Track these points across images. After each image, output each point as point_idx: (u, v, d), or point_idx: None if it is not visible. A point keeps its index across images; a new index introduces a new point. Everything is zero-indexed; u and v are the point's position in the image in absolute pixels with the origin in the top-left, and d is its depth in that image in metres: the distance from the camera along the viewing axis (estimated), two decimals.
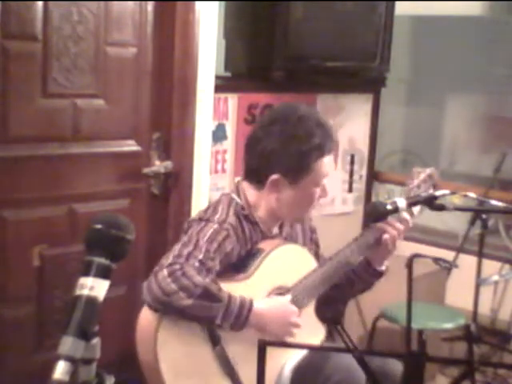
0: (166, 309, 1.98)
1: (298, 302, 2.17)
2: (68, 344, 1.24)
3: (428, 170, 2.39)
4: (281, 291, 2.19)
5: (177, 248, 2.06)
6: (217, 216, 2.15)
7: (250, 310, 2.03)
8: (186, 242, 2.06)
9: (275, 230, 2.30)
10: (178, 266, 1.97)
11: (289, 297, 2.16)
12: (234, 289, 2.06)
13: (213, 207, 2.21)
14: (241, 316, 2.02)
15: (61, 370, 1.22)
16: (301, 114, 2.17)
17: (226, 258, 2.10)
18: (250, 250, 2.18)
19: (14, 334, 2.75)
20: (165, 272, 1.96)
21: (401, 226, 2.27)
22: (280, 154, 2.14)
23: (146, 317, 2.06)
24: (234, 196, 2.23)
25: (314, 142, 2.13)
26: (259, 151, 2.18)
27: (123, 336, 3.01)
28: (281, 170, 2.14)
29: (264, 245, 2.21)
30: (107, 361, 1.35)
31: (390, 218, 2.24)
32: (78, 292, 1.29)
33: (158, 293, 1.95)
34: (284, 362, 2.18)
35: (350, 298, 2.48)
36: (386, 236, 2.25)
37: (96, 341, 1.29)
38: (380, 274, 2.35)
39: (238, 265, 2.15)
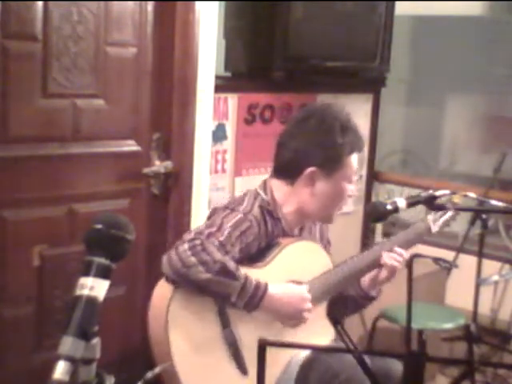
0: (184, 281, 2.02)
1: (312, 299, 2.20)
2: (68, 344, 1.24)
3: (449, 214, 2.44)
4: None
5: (200, 227, 2.12)
6: (242, 206, 2.21)
7: (264, 291, 2.07)
8: (210, 224, 2.13)
9: (296, 232, 2.33)
10: (198, 242, 2.03)
11: (305, 287, 2.19)
12: (250, 274, 2.10)
13: (239, 199, 2.28)
14: (255, 296, 2.06)
15: (61, 370, 1.22)
16: (334, 111, 2.27)
17: (246, 248, 2.15)
18: (269, 243, 2.23)
19: (14, 334, 2.75)
20: (186, 245, 2.02)
21: (406, 256, 2.30)
22: (316, 147, 2.22)
23: (160, 291, 2.11)
24: (261, 191, 2.28)
25: (348, 137, 2.23)
26: (294, 146, 2.25)
27: (123, 336, 3.02)
28: (317, 162, 2.21)
29: (283, 239, 2.26)
30: (107, 361, 1.35)
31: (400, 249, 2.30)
32: (78, 292, 1.29)
33: (177, 264, 2.00)
34: (289, 357, 2.20)
35: (343, 317, 2.49)
36: (392, 263, 2.28)
37: (96, 341, 1.29)
38: (371, 298, 2.39)
39: (256, 256, 2.20)
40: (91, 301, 1.28)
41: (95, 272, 1.30)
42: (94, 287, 1.29)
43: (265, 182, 2.32)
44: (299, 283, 2.21)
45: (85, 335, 1.26)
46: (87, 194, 2.89)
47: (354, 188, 2.31)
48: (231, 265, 2.04)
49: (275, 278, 2.16)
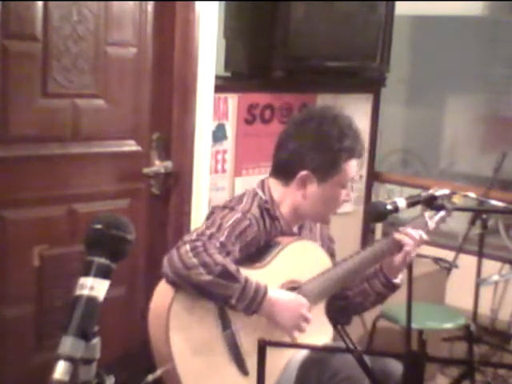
0: (185, 282, 2.02)
1: (310, 299, 2.20)
2: (68, 344, 1.24)
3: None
4: (294, 285, 2.22)
5: (200, 228, 2.12)
6: (241, 205, 2.21)
7: (264, 295, 2.07)
8: (210, 224, 2.12)
9: (294, 230, 2.34)
10: (200, 243, 2.03)
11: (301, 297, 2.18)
12: (250, 275, 2.10)
13: (237, 198, 2.28)
14: (255, 300, 2.05)
15: (61, 369, 1.22)
16: (336, 115, 2.25)
17: (246, 248, 2.15)
18: (268, 243, 2.23)
19: (14, 334, 2.75)
20: (187, 247, 2.02)
21: (417, 236, 2.27)
22: (312, 151, 2.20)
23: (161, 293, 2.11)
24: (259, 191, 2.28)
25: (346, 142, 2.20)
26: (291, 147, 2.24)
27: (123, 336, 3.02)
28: (311, 166, 2.21)
29: (282, 239, 2.26)
30: (107, 361, 1.35)
31: (409, 229, 2.26)
32: (78, 292, 1.29)
33: (178, 265, 2.00)
34: (288, 356, 2.20)
35: (364, 310, 2.48)
36: (404, 247, 2.26)
37: (96, 341, 1.29)
38: (394, 287, 2.36)
39: (255, 255, 2.20)
40: (91, 301, 1.28)
41: (95, 272, 1.30)
42: (94, 287, 1.29)
43: (263, 182, 2.32)
44: (297, 283, 2.22)
45: (85, 335, 1.26)
46: (87, 194, 2.89)
47: (349, 193, 2.29)
48: (232, 267, 2.04)
49: (274, 280, 2.16)
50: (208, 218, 2.21)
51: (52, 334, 2.70)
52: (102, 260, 1.31)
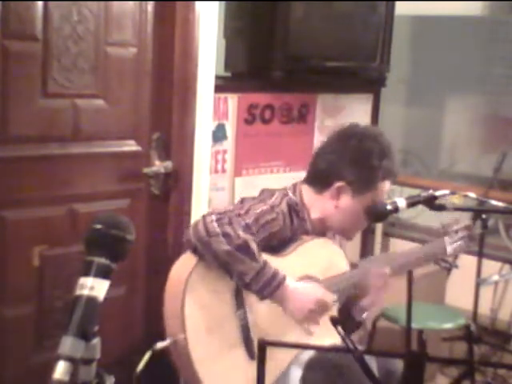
0: (204, 248, 2.06)
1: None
2: (68, 344, 1.24)
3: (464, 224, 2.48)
4: (310, 281, 2.24)
5: (229, 207, 2.19)
6: (271, 200, 2.25)
7: (281, 282, 2.09)
8: (239, 207, 2.19)
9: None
10: (226, 216, 2.09)
11: (323, 290, 2.20)
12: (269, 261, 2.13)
13: (268, 193, 2.33)
14: (270, 284, 2.08)
15: (61, 369, 1.22)
16: (378, 134, 2.33)
17: (269, 238, 2.18)
18: (292, 239, 2.26)
19: (14, 334, 2.75)
20: (213, 216, 2.09)
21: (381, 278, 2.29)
22: (351, 164, 2.26)
23: (182, 261, 2.15)
24: (290, 192, 2.33)
25: (385, 162, 2.27)
26: (331, 159, 2.30)
27: (123, 336, 3.02)
28: (348, 178, 2.26)
29: (306, 236, 2.30)
30: (107, 361, 1.35)
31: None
32: (78, 292, 1.28)
33: (201, 231, 2.06)
34: (294, 353, 2.20)
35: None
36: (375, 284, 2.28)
37: (96, 341, 1.29)
38: (358, 324, 2.37)
39: (277, 248, 2.23)
40: (91, 301, 1.28)
41: (95, 272, 1.30)
42: (94, 287, 1.29)
43: (295, 185, 2.37)
44: (315, 280, 2.24)
45: (85, 335, 1.26)
46: (87, 194, 2.89)
47: None
48: (253, 245, 2.08)
49: (292, 270, 2.19)
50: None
51: (52, 334, 2.70)
52: (102, 260, 1.31)
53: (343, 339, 1.58)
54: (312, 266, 2.26)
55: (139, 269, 3.06)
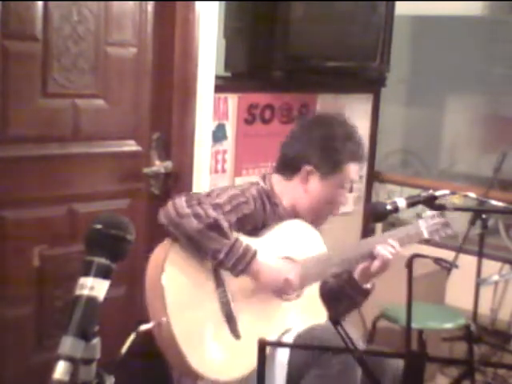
0: (177, 230, 2.11)
1: (305, 279, 2.25)
2: (68, 344, 1.24)
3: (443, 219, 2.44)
4: (289, 262, 2.27)
5: (199, 193, 2.25)
6: (241, 187, 2.32)
7: (253, 257, 2.14)
8: (208, 192, 2.26)
9: None
10: (195, 197, 2.16)
11: (292, 266, 2.24)
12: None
13: (238, 185, 2.43)
14: (243, 259, 2.12)
15: (61, 369, 1.22)
16: (342, 121, 2.40)
17: (242, 221, 2.22)
18: (265, 223, 2.31)
19: (14, 334, 2.75)
20: (182, 198, 2.14)
21: (398, 249, 2.32)
22: (317, 149, 2.32)
23: (160, 246, 2.19)
24: (260, 181, 2.39)
25: (350, 145, 2.34)
26: (297, 147, 2.36)
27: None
28: (315, 162, 2.32)
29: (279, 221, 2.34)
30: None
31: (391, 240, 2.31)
32: (78, 292, 1.28)
33: (172, 213, 2.12)
34: (280, 334, 2.22)
35: (340, 315, 2.50)
36: (385, 253, 2.30)
37: (96, 341, 1.29)
38: (366, 292, 2.39)
39: (252, 232, 2.26)
40: (91, 301, 1.28)
41: (95, 272, 1.30)
42: (94, 287, 1.29)
43: (264, 176, 2.42)
44: (293, 260, 2.26)
45: (85, 335, 1.26)
46: (87, 194, 2.89)
47: (346, 196, 2.38)
48: (224, 223, 2.12)
49: (267, 251, 2.22)
50: None
51: (52, 334, 2.70)
52: (102, 260, 1.31)
53: (343, 339, 1.57)
54: (288, 248, 2.29)
55: (139, 269, 3.05)
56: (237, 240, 2.13)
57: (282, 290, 2.21)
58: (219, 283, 2.16)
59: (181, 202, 2.13)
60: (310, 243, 2.35)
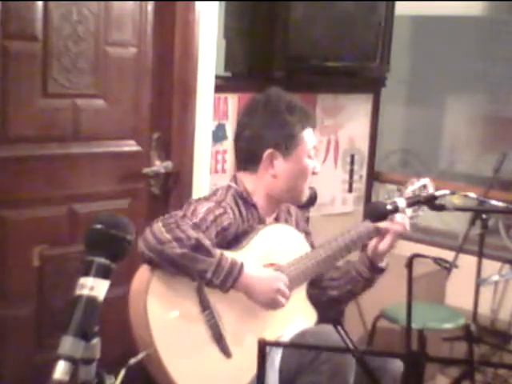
0: (159, 257, 2.03)
1: (291, 282, 2.21)
2: (68, 344, 1.24)
3: (423, 181, 2.42)
4: (273, 268, 2.23)
5: (174, 212, 2.16)
6: (216, 197, 2.25)
7: (240, 270, 2.08)
8: (184, 209, 2.16)
9: (271, 220, 2.36)
10: (173, 220, 2.07)
11: (279, 273, 2.21)
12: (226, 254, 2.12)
13: (212, 192, 2.34)
14: (231, 274, 2.06)
15: (61, 369, 1.22)
16: (277, 94, 2.32)
17: (223, 232, 2.17)
18: (246, 230, 2.25)
19: (14, 334, 2.75)
20: (160, 223, 2.05)
21: (404, 221, 2.32)
22: (268, 130, 2.26)
23: (139, 274, 2.13)
24: (232, 184, 2.32)
25: (296, 114, 2.28)
26: (248, 135, 2.30)
27: (123, 336, 3.02)
28: (272, 143, 2.26)
29: (259, 226, 2.29)
30: (107, 361, 1.35)
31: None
32: (78, 292, 1.29)
33: (152, 241, 2.03)
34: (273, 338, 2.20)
35: (354, 296, 2.51)
36: (388, 226, 2.30)
37: (96, 341, 1.30)
38: (381, 270, 2.38)
39: (233, 242, 2.22)
40: (91, 301, 1.28)
41: (95, 272, 1.30)
42: (94, 287, 1.29)
43: (235, 176, 2.36)
44: (277, 267, 2.23)
45: (85, 335, 1.26)
46: (87, 194, 2.89)
47: (317, 164, 2.33)
48: (206, 242, 2.06)
49: (252, 261, 2.18)
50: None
51: (52, 334, 2.70)
52: (102, 260, 1.31)
53: (343, 339, 1.58)
54: (271, 254, 2.25)
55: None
56: (222, 256, 2.07)
57: (276, 301, 2.17)
58: (204, 306, 2.11)
59: (159, 227, 2.04)
60: (292, 246, 2.31)
